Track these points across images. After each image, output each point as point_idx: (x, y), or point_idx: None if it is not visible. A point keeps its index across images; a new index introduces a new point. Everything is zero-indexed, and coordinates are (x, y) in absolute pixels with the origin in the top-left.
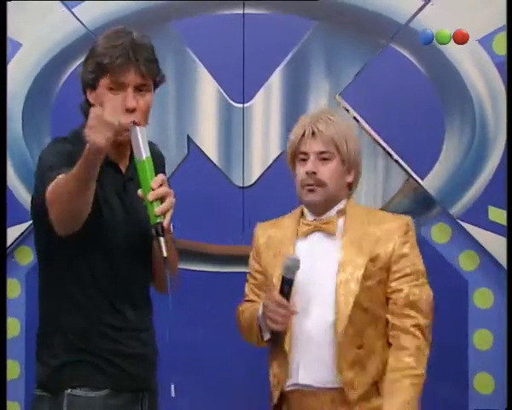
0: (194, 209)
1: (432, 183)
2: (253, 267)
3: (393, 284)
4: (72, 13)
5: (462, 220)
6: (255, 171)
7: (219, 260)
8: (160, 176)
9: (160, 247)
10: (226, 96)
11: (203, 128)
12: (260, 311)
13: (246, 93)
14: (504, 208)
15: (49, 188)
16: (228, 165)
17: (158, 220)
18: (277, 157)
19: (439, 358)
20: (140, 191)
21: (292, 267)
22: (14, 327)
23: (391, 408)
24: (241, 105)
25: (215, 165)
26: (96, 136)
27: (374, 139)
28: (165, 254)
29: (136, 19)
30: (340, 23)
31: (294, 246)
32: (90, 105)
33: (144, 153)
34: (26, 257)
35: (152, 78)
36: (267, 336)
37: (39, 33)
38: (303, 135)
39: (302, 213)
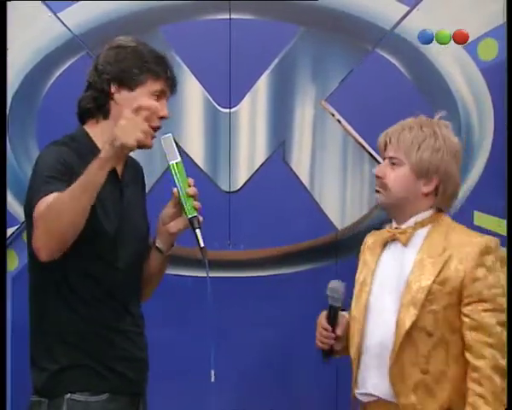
0: None
1: None
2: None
3: (465, 311)
4: (58, 17)
5: None
6: (242, 176)
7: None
8: (191, 178)
9: (197, 239)
10: (213, 101)
11: (189, 133)
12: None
13: (232, 98)
14: (490, 213)
15: (41, 207)
16: (214, 170)
17: (195, 214)
18: (264, 162)
19: None
20: (175, 189)
21: (334, 295)
22: None
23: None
24: (227, 110)
25: (201, 170)
26: (127, 136)
27: (360, 144)
28: (202, 244)
29: (122, 24)
30: (326, 29)
31: (379, 255)
32: (108, 98)
33: (178, 155)
34: (13, 262)
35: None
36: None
37: (25, 38)
38: (384, 141)
39: None
